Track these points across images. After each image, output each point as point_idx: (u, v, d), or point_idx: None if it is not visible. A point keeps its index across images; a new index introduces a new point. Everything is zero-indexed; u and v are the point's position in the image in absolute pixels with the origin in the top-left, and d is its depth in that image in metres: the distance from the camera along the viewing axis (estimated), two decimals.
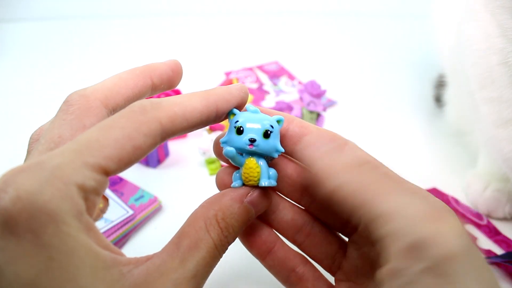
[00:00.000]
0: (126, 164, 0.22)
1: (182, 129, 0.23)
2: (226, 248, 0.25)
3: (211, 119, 0.25)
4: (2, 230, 0.19)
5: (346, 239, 0.29)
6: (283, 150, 0.26)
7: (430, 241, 0.19)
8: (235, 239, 0.25)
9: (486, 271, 0.20)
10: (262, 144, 0.25)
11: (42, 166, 0.20)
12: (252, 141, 0.25)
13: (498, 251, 0.40)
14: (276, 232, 0.29)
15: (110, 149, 0.21)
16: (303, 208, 0.29)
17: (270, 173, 0.26)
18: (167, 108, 0.23)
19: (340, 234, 0.30)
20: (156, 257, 0.23)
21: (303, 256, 0.29)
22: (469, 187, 0.45)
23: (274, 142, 0.26)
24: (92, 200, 0.21)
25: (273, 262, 0.29)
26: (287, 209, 0.29)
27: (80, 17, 0.83)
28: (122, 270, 0.21)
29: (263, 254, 0.29)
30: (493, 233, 0.42)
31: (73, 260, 0.19)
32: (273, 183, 0.26)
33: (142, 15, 0.84)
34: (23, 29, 0.78)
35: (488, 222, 0.43)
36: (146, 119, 0.22)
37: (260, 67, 0.67)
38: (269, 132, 0.25)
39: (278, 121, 0.26)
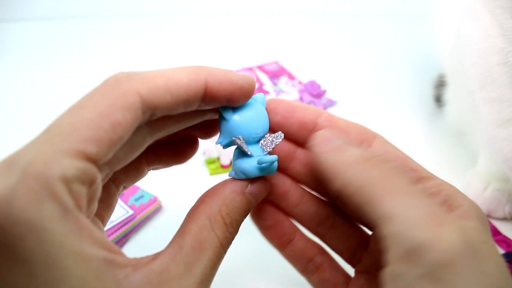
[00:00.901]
0: (109, 145, 0.19)
1: (166, 103, 0.21)
2: (230, 244, 0.24)
3: (199, 97, 0.22)
4: None
5: (370, 232, 0.29)
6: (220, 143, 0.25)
7: (427, 247, 0.19)
8: (237, 233, 0.24)
9: (490, 277, 0.19)
10: None
11: (11, 166, 0.18)
12: None
13: (498, 251, 0.40)
14: (296, 223, 0.29)
15: (85, 131, 0.19)
16: (327, 200, 0.29)
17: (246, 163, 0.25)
18: (147, 79, 0.21)
19: (363, 227, 0.29)
20: (157, 261, 0.21)
21: (321, 246, 0.29)
22: (469, 187, 0.45)
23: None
24: (78, 191, 0.19)
25: (292, 252, 0.29)
26: (311, 202, 0.28)
27: (80, 17, 0.83)
28: (118, 275, 0.19)
29: (283, 245, 0.28)
30: (493, 233, 0.42)
31: (58, 273, 0.17)
32: (231, 174, 0.25)
33: (142, 15, 0.84)
34: (23, 29, 0.78)
35: (488, 222, 0.43)
36: (121, 91, 0.20)
37: (260, 67, 0.67)
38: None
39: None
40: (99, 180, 0.20)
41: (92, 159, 0.19)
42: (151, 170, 0.28)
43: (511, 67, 0.35)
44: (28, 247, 0.17)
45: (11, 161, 0.18)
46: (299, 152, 0.28)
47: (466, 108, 0.46)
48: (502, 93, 0.37)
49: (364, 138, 0.26)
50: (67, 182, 0.18)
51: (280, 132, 0.26)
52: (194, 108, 0.23)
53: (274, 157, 0.25)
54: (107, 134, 0.19)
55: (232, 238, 0.24)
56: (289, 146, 0.27)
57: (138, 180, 0.28)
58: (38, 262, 0.17)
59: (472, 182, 0.45)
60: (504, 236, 0.42)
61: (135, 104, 0.20)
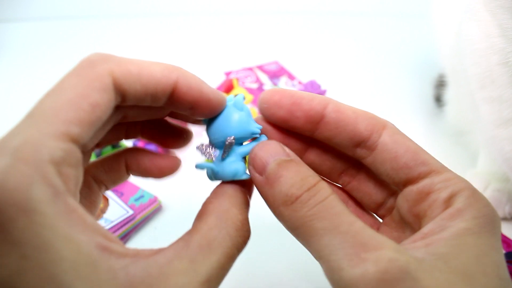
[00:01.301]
0: (89, 125, 0.19)
1: (135, 91, 0.21)
2: (245, 245, 0.22)
3: (166, 93, 0.22)
4: None
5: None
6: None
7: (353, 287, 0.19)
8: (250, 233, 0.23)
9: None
10: None
11: (1, 151, 0.18)
12: None
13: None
14: None
15: (66, 112, 0.19)
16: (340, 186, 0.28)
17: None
18: (121, 63, 0.21)
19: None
20: (161, 255, 0.20)
21: None
22: None
23: None
24: (67, 173, 0.19)
25: None
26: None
27: (80, 17, 0.83)
28: (114, 265, 0.18)
29: None
30: None
31: (49, 256, 0.17)
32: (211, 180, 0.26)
33: (142, 15, 0.84)
34: (23, 29, 0.78)
35: (495, 221, 0.43)
36: (97, 73, 0.20)
37: (260, 67, 0.67)
38: None
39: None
40: (82, 162, 0.20)
41: (75, 140, 0.19)
42: (131, 175, 0.28)
43: (511, 67, 0.35)
44: (20, 228, 0.17)
45: (1, 146, 0.18)
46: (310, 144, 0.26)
47: (466, 108, 0.46)
48: (502, 93, 0.37)
49: (373, 129, 0.25)
50: (56, 164, 0.18)
51: (261, 137, 0.25)
52: (160, 104, 0.23)
53: (205, 164, 0.26)
54: (88, 115, 0.19)
55: (248, 238, 0.23)
56: (298, 144, 0.26)
57: (119, 183, 0.28)
58: (30, 244, 0.17)
59: (472, 182, 0.45)
60: (504, 236, 0.42)
61: (109, 86, 0.20)
